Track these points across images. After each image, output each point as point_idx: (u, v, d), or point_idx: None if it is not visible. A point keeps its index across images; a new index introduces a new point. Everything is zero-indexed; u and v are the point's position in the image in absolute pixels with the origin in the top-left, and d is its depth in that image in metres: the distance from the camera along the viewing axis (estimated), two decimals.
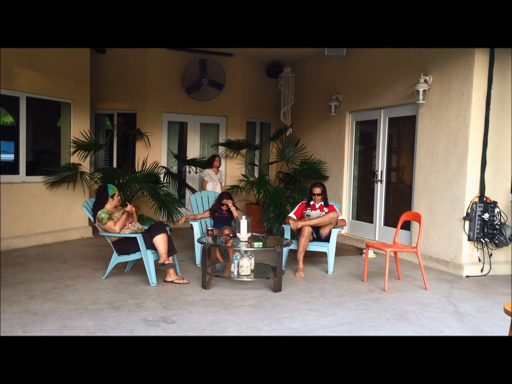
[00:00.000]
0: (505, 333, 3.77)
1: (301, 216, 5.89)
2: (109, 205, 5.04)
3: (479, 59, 5.62)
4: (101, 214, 4.91)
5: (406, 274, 5.67)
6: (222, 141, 9.20)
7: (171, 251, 4.94)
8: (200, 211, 6.36)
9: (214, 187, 7.93)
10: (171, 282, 4.88)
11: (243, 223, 4.86)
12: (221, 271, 5.13)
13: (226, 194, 6.16)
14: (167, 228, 5.00)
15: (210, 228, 5.24)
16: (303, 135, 8.98)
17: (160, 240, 4.81)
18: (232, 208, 5.99)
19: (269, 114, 9.84)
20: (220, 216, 6.08)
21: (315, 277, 5.45)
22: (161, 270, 5.05)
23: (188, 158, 8.83)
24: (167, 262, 4.78)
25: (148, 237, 4.86)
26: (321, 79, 8.58)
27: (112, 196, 5.04)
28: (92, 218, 5.05)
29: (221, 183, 8.18)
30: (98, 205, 5.01)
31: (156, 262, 4.95)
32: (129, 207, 5.06)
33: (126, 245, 4.91)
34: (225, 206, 6.02)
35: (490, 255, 5.84)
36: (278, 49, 8.29)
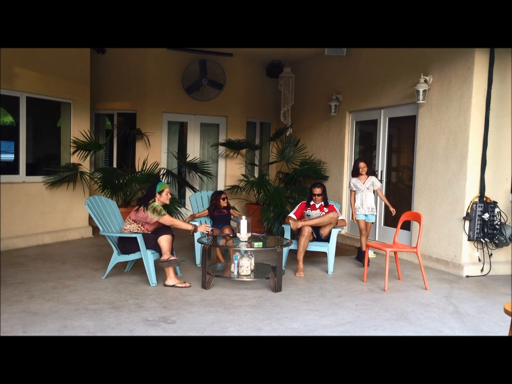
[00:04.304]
0: (505, 333, 3.77)
1: (301, 216, 5.89)
2: (157, 201, 5.04)
3: (479, 59, 5.62)
4: (159, 206, 4.96)
5: (406, 274, 5.67)
6: (222, 141, 9.20)
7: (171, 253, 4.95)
8: (200, 210, 6.36)
9: (362, 199, 6.11)
10: (173, 286, 4.81)
11: (243, 223, 4.86)
12: (221, 271, 5.13)
13: (221, 191, 6.23)
14: None
15: (210, 228, 5.24)
16: (303, 135, 8.98)
17: (165, 239, 4.83)
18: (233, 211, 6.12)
19: (269, 114, 9.84)
20: (219, 215, 6.09)
21: (315, 277, 5.45)
22: (161, 270, 5.04)
23: (188, 160, 8.76)
24: (171, 258, 4.79)
25: (153, 236, 4.88)
26: (321, 79, 8.58)
27: (160, 193, 5.04)
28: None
29: (377, 190, 6.20)
30: (146, 198, 5.02)
31: (157, 261, 4.94)
32: (202, 228, 5.01)
33: (129, 244, 4.92)
34: (225, 201, 6.06)
35: (490, 255, 5.84)
36: (278, 49, 8.29)
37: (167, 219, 4.96)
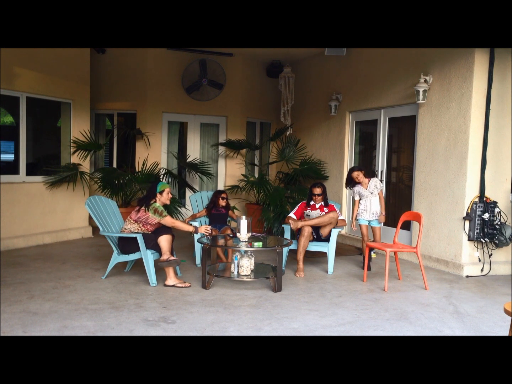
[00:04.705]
0: (505, 333, 3.77)
1: (301, 216, 5.89)
2: (158, 201, 5.03)
3: (479, 59, 5.62)
4: (160, 207, 4.95)
5: (406, 274, 5.67)
6: (222, 141, 9.20)
7: (171, 253, 4.94)
8: (201, 210, 6.36)
9: (367, 204, 5.84)
10: (173, 286, 4.81)
11: (243, 223, 4.86)
12: (221, 271, 5.13)
13: (223, 191, 6.23)
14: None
15: (210, 230, 5.25)
16: (303, 135, 8.98)
17: (165, 239, 4.83)
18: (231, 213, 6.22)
19: (269, 114, 9.84)
20: (216, 214, 6.08)
21: (315, 277, 5.45)
22: (161, 270, 5.04)
23: (189, 161, 8.77)
24: (171, 258, 4.79)
25: (153, 236, 4.87)
26: (321, 79, 8.58)
27: (161, 193, 5.03)
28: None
29: (379, 193, 5.89)
30: (147, 199, 5.02)
31: (157, 261, 4.94)
32: (202, 229, 5.00)
33: (129, 244, 4.93)
34: (224, 200, 6.06)
35: (490, 255, 5.84)
36: (278, 49, 8.29)
37: (168, 221, 4.96)
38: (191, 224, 5.16)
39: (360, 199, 5.94)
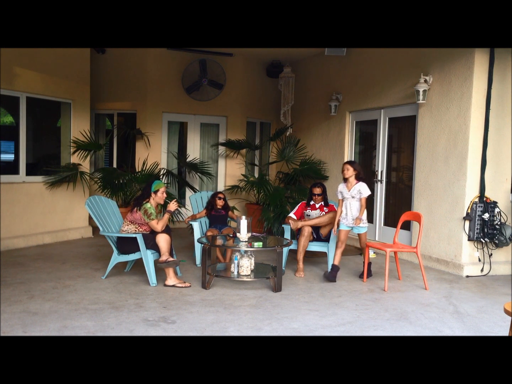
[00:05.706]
0: (505, 333, 3.77)
1: (301, 216, 5.89)
2: (152, 200, 5.02)
3: (479, 59, 5.62)
4: (151, 209, 4.93)
5: (406, 274, 5.67)
6: (222, 141, 9.20)
7: (170, 253, 4.94)
8: (200, 210, 6.36)
9: (347, 207, 5.22)
10: (173, 286, 4.81)
11: (243, 223, 4.86)
12: (221, 271, 5.13)
13: (220, 192, 6.24)
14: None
15: (210, 234, 5.24)
16: (303, 135, 8.98)
17: (163, 239, 4.82)
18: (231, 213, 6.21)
19: (269, 114, 9.84)
20: (216, 215, 6.08)
21: (315, 277, 5.45)
22: (161, 270, 5.04)
23: (189, 161, 8.76)
24: (170, 259, 4.78)
25: (151, 236, 4.87)
26: (321, 79, 8.58)
27: (156, 192, 5.02)
28: (93, 222, 5.04)
29: (361, 198, 5.18)
30: (141, 198, 5.03)
31: (157, 261, 4.94)
32: (172, 206, 5.00)
33: (127, 244, 4.92)
34: (221, 200, 6.04)
35: (490, 255, 5.84)
36: (278, 49, 8.29)
37: (153, 225, 4.91)
38: (167, 211, 5.06)
39: (343, 202, 5.31)
